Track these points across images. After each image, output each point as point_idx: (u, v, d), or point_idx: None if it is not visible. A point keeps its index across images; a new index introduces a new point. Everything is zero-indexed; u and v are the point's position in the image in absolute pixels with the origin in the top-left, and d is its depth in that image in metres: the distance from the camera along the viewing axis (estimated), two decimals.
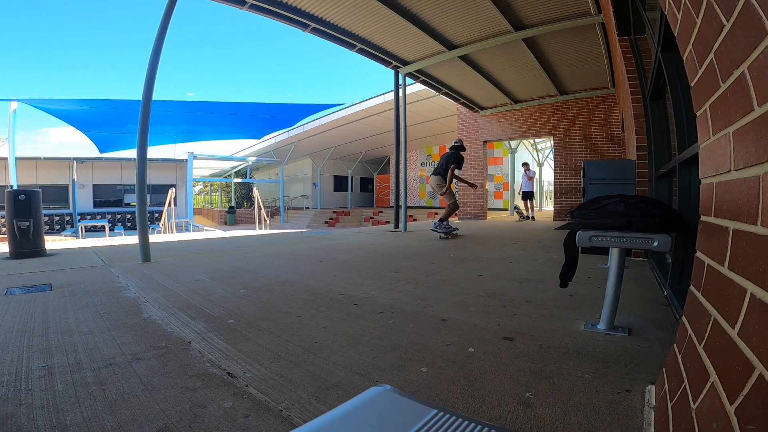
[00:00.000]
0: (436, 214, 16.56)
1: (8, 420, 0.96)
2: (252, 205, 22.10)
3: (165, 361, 1.33)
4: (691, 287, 0.85)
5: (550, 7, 4.95)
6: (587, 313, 1.82)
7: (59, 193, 16.71)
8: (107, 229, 13.27)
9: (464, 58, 6.48)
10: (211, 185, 33.57)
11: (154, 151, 18.78)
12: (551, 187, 12.52)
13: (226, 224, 20.21)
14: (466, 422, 0.60)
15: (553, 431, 0.91)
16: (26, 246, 3.90)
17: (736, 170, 0.61)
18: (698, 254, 0.83)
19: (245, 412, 1.00)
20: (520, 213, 10.03)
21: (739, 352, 0.53)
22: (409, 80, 7.19)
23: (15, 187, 8.29)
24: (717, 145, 0.70)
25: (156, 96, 3.56)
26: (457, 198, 5.86)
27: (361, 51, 6.00)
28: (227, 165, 23.89)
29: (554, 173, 9.04)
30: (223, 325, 1.70)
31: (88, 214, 16.85)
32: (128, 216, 17.90)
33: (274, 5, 4.74)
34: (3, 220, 9.09)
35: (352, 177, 22.55)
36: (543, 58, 6.55)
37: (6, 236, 4.01)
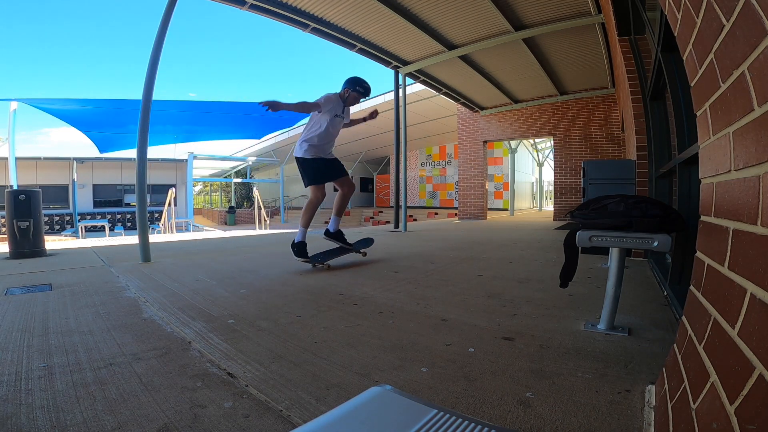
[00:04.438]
0: (436, 214, 16.55)
1: (8, 420, 0.96)
2: (252, 205, 22.09)
3: (165, 361, 1.33)
4: (691, 287, 0.85)
5: (550, 7, 4.95)
6: (587, 313, 1.82)
7: (59, 193, 16.71)
8: (107, 229, 13.27)
9: (464, 58, 6.48)
10: (211, 185, 33.55)
11: (154, 151, 18.81)
12: (551, 187, 12.51)
13: (226, 224, 20.20)
14: (466, 422, 0.60)
15: (553, 431, 0.91)
16: (26, 246, 3.90)
17: (736, 170, 0.61)
18: (698, 254, 0.83)
19: (245, 412, 1.00)
20: None
21: (739, 352, 0.53)
22: (409, 80, 7.18)
23: (15, 187, 8.28)
24: (717, 145, 0.70)
25: (156, 96, 3.57)
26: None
27: (361, 51, 6.00)
28: (227, 165, 23.90)
29: (554, 173, 9.04)
30: (223, 325, 1.70)
31: (88, 214, 16.85)
32: (128, 216, 17.91)
33: (274, 5, 4.74)
34: (3, 220, 9.09)
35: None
36: (543, 58, 6.55)
37: (6, 236, 4.01)
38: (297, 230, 3.15)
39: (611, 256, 1.54)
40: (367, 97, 3.22)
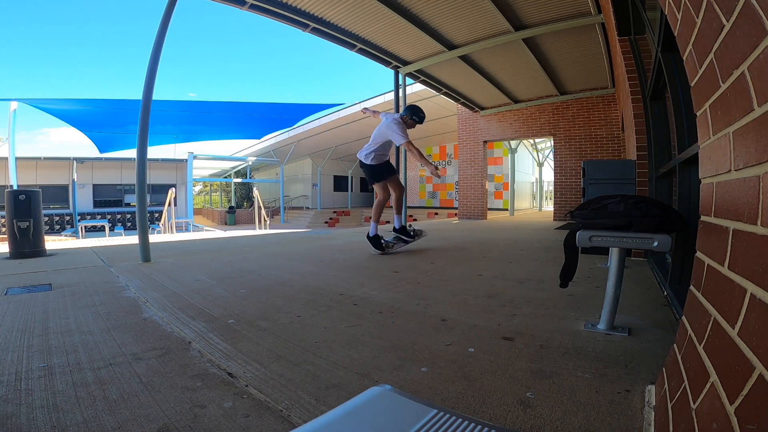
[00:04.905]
0: (436, 214, 16.55)
1: (8, 420, 0.96)
2: (252, 205, 22.10)
3: (165, 361, 1.33)
4: (691, 287, 0.85)
5: (550, 7, 4.95)
6: (587, 313, 1.82)
7: (59, 193, 16.73)
8: (107, 229, 13.28)
9: (464, 58, 6.48)
10: (211, 185, 33.57)
11: (154, 151, 18.82)
12: (551, 187, 12.51)
13: (226, 224, 20.21)
14: (466, 422, 0.60)
15: (553, 431, 0.91)
16: (26, 246, 3.90)
17: (736, 170, 0.61)
18: (698, 254, 0.83)
19: (245, 412, 1.00)
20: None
21: (739, 352, 0.53)
22: (409, 80, 7.19)
23: (15, 187, 8.29)
24: (717, 145, 0.70)
25: (156, 96, 3.57)
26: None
27: (361, 51, 6.01)
28: (227, 165, 23.91)
29: (554, 173, 9.04)
30: (223, 325, 1.70)
31: (88, 214, 16.86)
32: (128, 216, 17.92)
33: (274, 5, 4.74)
34: (3, 220, 9.09)
35: (352, 177, 22.56)
36: (543, 58, 6.55)
37: (6, 236, 4.01)
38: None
39: (611, 256, 1.54)
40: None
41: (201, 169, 24.53)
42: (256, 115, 13.41)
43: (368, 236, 3.82)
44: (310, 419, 0.60)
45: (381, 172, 3.90)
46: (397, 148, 7.00)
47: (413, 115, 3.80)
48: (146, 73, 3.45)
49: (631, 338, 1.49)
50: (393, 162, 5.90)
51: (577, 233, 1.48)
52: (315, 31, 5.33)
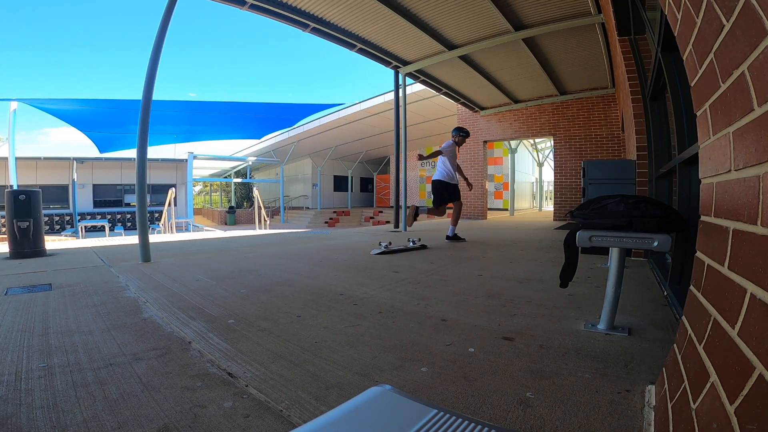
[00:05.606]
0: None
1: (8, 420, 0.96)
2: (252, 205, 22.10)
3: (165, 361, 1.33)
4: (691, 287, 0.85)
5: (550, 7, 4.95)
6: (587, 313, 1.82)
7: (59, 193, 16.72)
8: (107, 229, 13.28)
9: (464, 58, 6.49)
10: (211, 185, 33.58)
11: (154, 151, 18.81)
12: (551, 187, 12.51)
13: (226, 224, 20.21)
14: (466, 422, 0.60)
15: (553, 431, 0.91)
16: (26, 246, 3.90)
17: (736, 170, 0.61)
18: (698, 254, 0.83)
19: (245, 412, 1.00)
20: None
21: (739, 352, 0.53)
22: (409, 80, 7.19)
23: (15, 187, 8.29)
24: (717, 145, 0.70)
25: (157, 96, 3.57)
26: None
27: (361, 51, 6.01)
28: (227, 165, 23.92)
29: (554, 173, 9.04)
30: (223, 325, 1.70)
31: (88, 214, 16.86)
32: (128, 216, 17.92)
33: (274, 5, 4.74)
34: (3, 220, 9.09)
35: (352, 177, 22.55)
36: (543, 58, 6.55)
37: (6, 236, 4.01)
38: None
39: (611, 256, 1.54)
40: (468, 136, 5.01)
41: (201, 169, 24.54)
42: (256, 115, 13.41)
43: (448, 236, 4.84)
44: (310, 419, 0.60)
45: (451, 194, 4.73)
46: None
47: (460, 133, 4.82)
48: (146, 73, 3.45)
49: (631, 338, 1.49)
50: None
51: (577, 233, 1.48)
52: (315, 31, 5.33)
